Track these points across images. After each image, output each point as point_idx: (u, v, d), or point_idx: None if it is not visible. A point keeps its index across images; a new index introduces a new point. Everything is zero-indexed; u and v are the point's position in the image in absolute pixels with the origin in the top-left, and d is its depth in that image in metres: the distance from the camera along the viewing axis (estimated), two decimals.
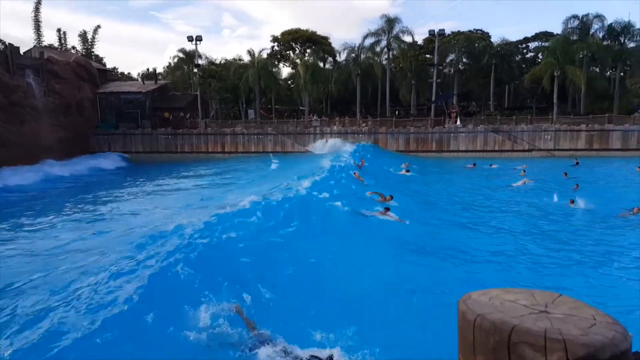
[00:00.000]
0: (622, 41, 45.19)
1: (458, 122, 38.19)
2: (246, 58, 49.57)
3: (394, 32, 46.28)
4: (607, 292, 8.53)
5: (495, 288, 1.33)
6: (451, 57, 50.00)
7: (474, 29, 54.54)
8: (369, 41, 47.27)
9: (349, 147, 33.57)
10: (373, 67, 46.71)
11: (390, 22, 46.06)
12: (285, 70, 58.59)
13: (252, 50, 47.74)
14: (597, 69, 47.76)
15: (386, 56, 47.86)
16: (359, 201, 15.83)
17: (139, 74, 59.51)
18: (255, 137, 39.85)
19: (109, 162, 36.91)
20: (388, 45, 46.88)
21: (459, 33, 51.54)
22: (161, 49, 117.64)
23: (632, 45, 44.90)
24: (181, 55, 55.12)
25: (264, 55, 48.42)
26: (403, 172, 26.65)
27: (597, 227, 14.21)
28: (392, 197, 16.13)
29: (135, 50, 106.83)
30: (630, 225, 14.12)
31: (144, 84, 44.83)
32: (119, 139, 39.91)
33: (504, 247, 11.77)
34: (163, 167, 34.31)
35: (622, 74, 46.71)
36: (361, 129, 39.38)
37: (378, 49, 47.88)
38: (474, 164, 30.44)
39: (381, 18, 46.18)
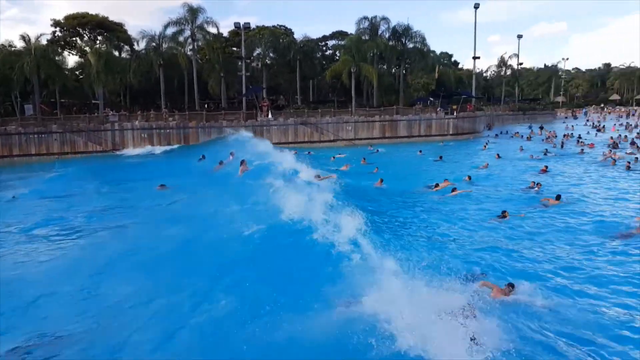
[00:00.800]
0: (404, 42, 52.90)
1: (270, 116, 39.27)
2: (19, 44, 41.65)
3: (198, 22, 44.97)
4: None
5: None
6: (258, 51, 51.14)
7: (278, 25, 56.87)
8: (170, 30, 44.98)
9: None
10: (177, 58, 44.64)
11: (194, 11, 44.58)
12: (72, 59, 51.47)
13: (27, 35, 40.29)
14: (385, 67, 54.89)
15: (191, 47, 46.21)
16: None
17: None
18: (36, 136, 33.90)
19: None
20: (192, 36, 45.32)
21: (264, 28, 53.00)
22: None
23: (411, 46, 52.95)
24: None
25: (43, 42, 41.42)
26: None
27: (399, 200, 16.37)
28: None
29: None
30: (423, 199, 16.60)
31: None
32: None
33: None
34: None
35: (404, 71, 54.75)
36: (168, 124, 37.13)
37: (182, 38, 46.07)
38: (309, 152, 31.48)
39: (183, 7, 44.35)
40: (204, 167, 23.20)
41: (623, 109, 78.84)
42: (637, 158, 24.44)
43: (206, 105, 47.72)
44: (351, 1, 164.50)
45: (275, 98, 56.21)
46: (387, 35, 51.78)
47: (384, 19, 50.63)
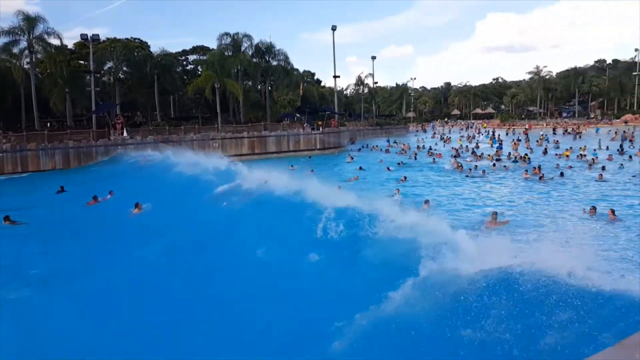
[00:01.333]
0: (268, 59, 53.95)
1: (125, 134, 36.53)
2: None
3: (37, 32, 40.22)
4: None
5: None
6: (110, 64, 47.52)
7: (132, 37, 53.71)
8: (2, 41, 39.51)
9: None
10: (11, 71, 39.37)
11: (31, 20, 39.78)
12: None
13: None
14: (250, 83, 55.32)
15: (28, 59, 41.10)
16: None
17: None
18: None
19: None
20: (30, 48, 40.36)
21: (115, 40, 49.59)
22: None
23: (275, 63, 54.23)
24: None
25: None
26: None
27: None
28: None
29: None
30: None
31: None
32: None
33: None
34: None
35: (270, 87, 55.80)
36: (1, 147, 32.14)
37: (16, 50, 40.78)
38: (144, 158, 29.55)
39: (17, 15, 39.31)
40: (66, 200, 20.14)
41: (463, 122, 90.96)
42: (476, 166, 28.22)
43: (48, 124, 42.57)
44: (210, 17, 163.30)
45: (132, 114, 52.67)
46: (250, 52, 52.36)
47: (247, 35, 51.23)
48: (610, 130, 48.58)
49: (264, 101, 54.22)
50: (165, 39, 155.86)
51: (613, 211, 14.07)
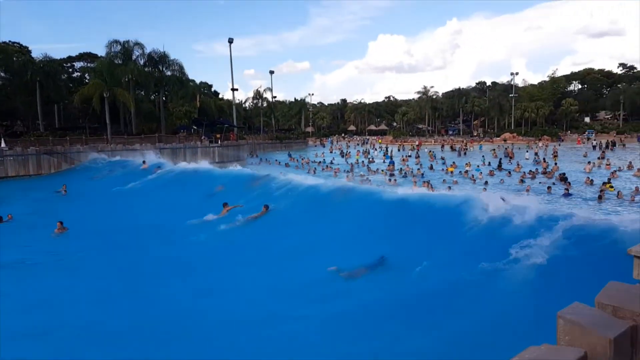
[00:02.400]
0: (161, 69, 53.12)
1: (2, 144, 33.87)
2: None
3: None
4: None
5: None
6: None
7: (10, 41, 49.89)
8: None
9: None
10: None
11: None
12: None
13: None
14: (143, 93, 53.95)
15: None
16: None
17: None
18: None
19: None
20: None
21: None
22: None
23: (169, 73, 53.55)
24: None
25: None
26: None
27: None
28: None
29: None
30: None
31: None
32: None
33: None
34: None
35: (164, 98, 54.87)
36: None
37: None
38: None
39: None
40: None
41: (359, 138, 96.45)
42: (369, 179, 30.85)
43: None
44: (100, 24, 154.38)
45: (11, 123, 48.53)
46: (142, 61, 51.25)
47: (138, 44, 50.21)
48: (493, 149, 54.80)
49: (158, 112, 53.19)
50: (49, 44, 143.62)
51: None
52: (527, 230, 9.79)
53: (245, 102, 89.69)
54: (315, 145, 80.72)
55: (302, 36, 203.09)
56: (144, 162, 31.91)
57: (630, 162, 34.90)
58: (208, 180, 23.30)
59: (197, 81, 72.21)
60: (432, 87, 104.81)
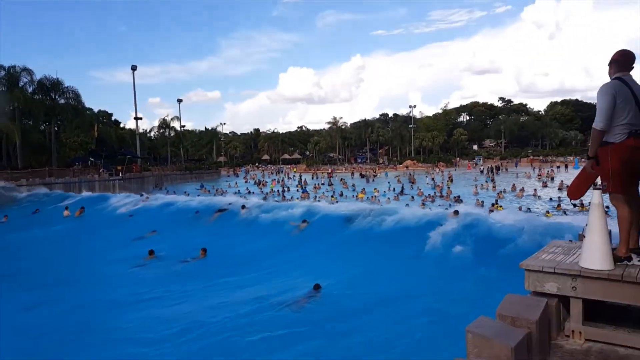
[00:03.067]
0: (54, 97, 49.33)
1: None
2: None
3: None
4: None
5: None
6: None
7: None
8: None
9: None
10: None
11: None
12: None
13: None
14: (31, 122, 49.51)
15: None
16: None
17: None
18: None
19: None
20: None
21: None
22: None
23: (63, 101, 49.87)
24: None
25: None
26: None
27: None
28: None
29: None
30: None
31: None
32: None
33: None
34: None
35: (56, 128, 50.79)
36: None
37: None
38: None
39: None
40: None
41: (273, 167, 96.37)
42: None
43: None
44: None
45: None
46: (31, 88, 47.33)
47: (26, 69, 46.48)
48: (398, 175, 57.66)
49: (50, 143, 49.00)
50: None
51: None
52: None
53: (150, 131, 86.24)
54: (229, 175, 79.20)
55: (211, 65, 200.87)
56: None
57: (514, 184, 39.01)
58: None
59: (96, 109, 68.23)
60: (341, 117, 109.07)
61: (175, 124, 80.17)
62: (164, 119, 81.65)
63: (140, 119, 57.05)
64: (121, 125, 77.50)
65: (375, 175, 61.59)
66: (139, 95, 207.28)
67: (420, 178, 53.28)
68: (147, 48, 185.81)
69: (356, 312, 9.11)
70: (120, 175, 43.39)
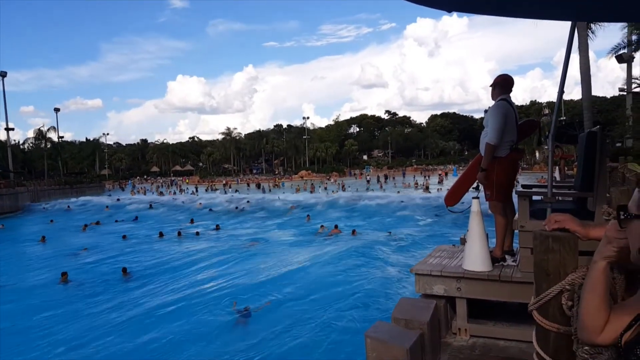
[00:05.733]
0: None
1: None
2: None
3: None
4: None
5: None
6: None
7: None
8: None
9: None
10: None
11: None
12: None
13: None
14: None
15: None
16: None
17: None
18: None
19: None
20: None
21: None
22: None
23: None
24: None
25: None
26: None
27: None
28: None
29: None
30: None
31: None
32: None
33: None
34: None
35: None
36: None
37: None
38: None
39: None
40: None
41: (162, 179, 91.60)
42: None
43: None
44: None
45: None
46: None
47: None
48: (297, 185, 58.07)
49: None
50: None
51: None
52: None
53: (23, 143, 77.30)
54: (114, 189, 73.73)
55: (92, 72, 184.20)
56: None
57: (399, 191, 41.36)
58: None
59: None
60: (235, 128, 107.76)
61: (52, 135, 72.87)
62: (39, 130, 73.82)
63: (12, 129, 51.02)
64: None
65: (276, 186, 61.76)
66: (9, 103, 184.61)
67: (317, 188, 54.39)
68: (17, 52, 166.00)
69: None
70: None
